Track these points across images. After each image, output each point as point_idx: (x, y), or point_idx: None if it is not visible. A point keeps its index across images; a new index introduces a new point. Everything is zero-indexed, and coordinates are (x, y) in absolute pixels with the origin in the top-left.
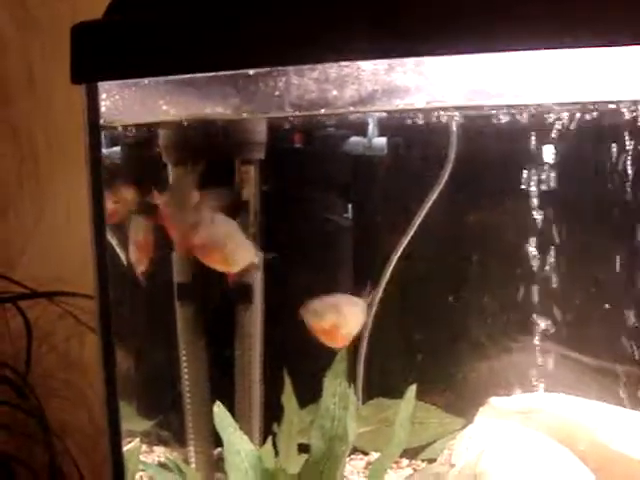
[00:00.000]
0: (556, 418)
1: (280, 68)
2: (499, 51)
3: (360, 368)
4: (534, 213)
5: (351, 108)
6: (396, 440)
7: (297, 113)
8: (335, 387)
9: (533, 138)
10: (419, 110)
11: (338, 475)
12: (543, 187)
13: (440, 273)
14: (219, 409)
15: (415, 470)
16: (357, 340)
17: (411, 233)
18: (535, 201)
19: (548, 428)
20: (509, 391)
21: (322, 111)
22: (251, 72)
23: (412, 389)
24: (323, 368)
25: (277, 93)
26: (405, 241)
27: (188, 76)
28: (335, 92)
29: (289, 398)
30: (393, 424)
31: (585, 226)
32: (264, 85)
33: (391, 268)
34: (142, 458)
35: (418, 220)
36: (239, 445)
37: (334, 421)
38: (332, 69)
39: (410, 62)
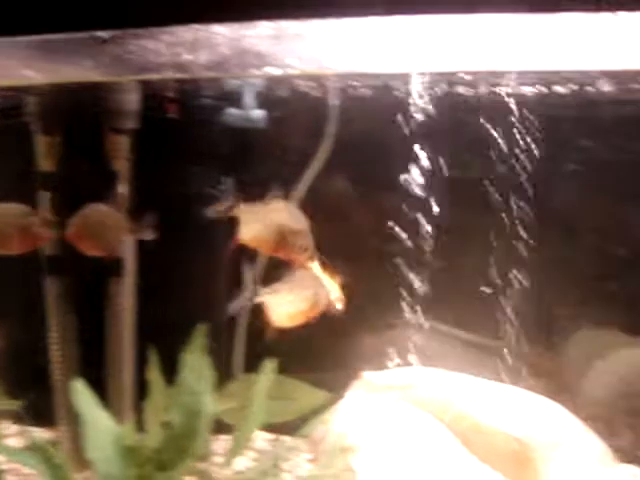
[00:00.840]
0: (430, 392)
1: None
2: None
3: (240, 343)
4: (410, 187)
5: (212, 73)
6: (253, 416)
7: (155, 76)
8: (194, 362)
9: (408, 108)
10: (288, 77)
11: (198, 450)
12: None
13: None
14: (77, 385)
15: (294, 447)
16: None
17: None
18: (410, 173)
19: (422, 402)
20: (383, 366)
21: (180, 75)
22: (105, 35)
23: (269, 365)
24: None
25: (134, 56)
26: None
27: (44, 38)
28: (191, 56)
29: (154, 374)
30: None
31: (462, 204)
32: (120, 48)
33: None
34: (11, 440)
35: (300, 193)
36: (99, 422)
37: (192, 396)
38: (190, 32)
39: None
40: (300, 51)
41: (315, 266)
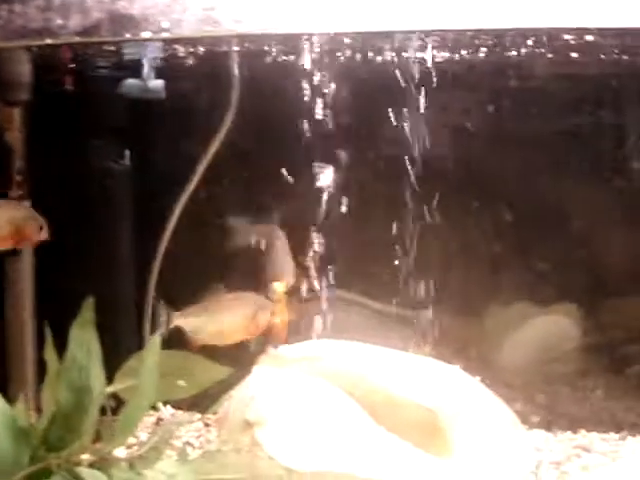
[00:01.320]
0: (339, 365)
1: None
2: None
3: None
4: (316, 154)
5: (85, 38)
6: (142, 391)
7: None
8: (82, 336)
9: (312, 75)
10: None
11: (86, 427)
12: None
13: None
14: None
15: (207, 425)
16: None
17: (196, 179)
18: (313, 142)
19: (331, 375)
20: (291, 339)
21: (51, 41)
22: None
23: (155, 340)
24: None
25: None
26: (191, 187)
27: None
28: (61, 21)
29: (51, 353)
30: (166, 375)
31: (369, 171)
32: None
33: (178, 212)
34: None
35: (203, 165)
36: None
37: (81, 371)
38: None
39: None
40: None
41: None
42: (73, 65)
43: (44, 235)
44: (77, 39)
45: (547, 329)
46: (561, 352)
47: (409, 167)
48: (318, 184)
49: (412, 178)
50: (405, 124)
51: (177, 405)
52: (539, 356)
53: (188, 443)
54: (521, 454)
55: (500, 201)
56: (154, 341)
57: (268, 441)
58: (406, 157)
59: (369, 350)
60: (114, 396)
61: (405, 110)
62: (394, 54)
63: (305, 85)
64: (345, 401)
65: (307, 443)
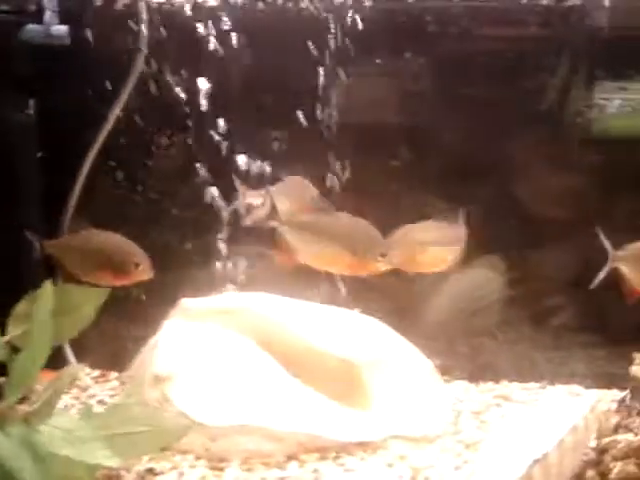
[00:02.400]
0: (254, 317)
1: None
2: None
3: None
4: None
5: None
6: (36, 341)
7: None
8: None
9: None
10: None
11: None
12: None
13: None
14: None
15: (123, 383)
16: None
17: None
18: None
19: (245, 328)
20: (202, 292)
21: None
22: None
23: (47, 286)
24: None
25: None
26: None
27: None
28: None
29: None
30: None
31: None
32: None
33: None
34: None
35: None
36: None
37: None
38: None
39: None
40: None
41: None
42: None
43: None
44: None
45: (471, 282)
46: (485, 304)
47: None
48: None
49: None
50: None
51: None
52: (463, 308)
53: (102, 402)
54: (440, 404)
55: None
56: (46, 285)
57: (178, 396)
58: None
59: (284, 302)
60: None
61: None
62: None
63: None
64: (258, 354)
65: (219, 397)
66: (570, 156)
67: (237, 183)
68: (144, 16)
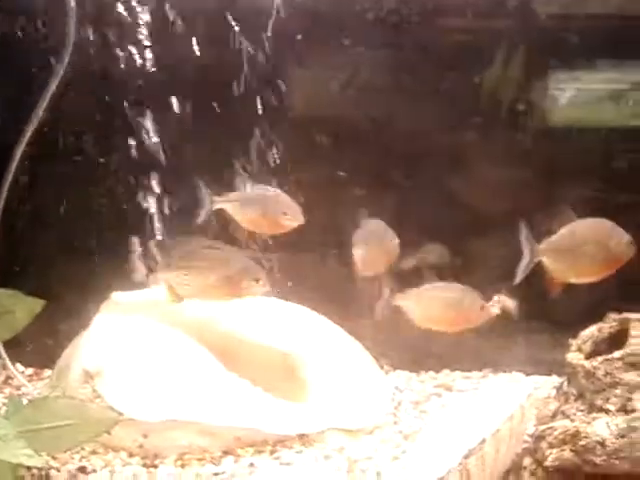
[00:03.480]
0: (188, 310)
1: None
2: None
3: None
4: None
5: None
6: None
7: None
8: None
9: None
10: None
11: None
12: None
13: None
14: None
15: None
16: None
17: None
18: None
19: (179, 321)
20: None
21: None
22: None
23: None
24: None
25: None
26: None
27: None
28: None
29: None
30: None
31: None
32: None
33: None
34: None
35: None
36: None
37: None
38: None
39: None
40: None
41: None
42: None
43: (260, 288)
44: None
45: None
46: None
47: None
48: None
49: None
50: None
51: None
52: None
53: None
54: (379, 395)
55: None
56: None
57: (109, 392)
58: None
59: None
60: None
61: None
62: None
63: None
64: (192, 347)
65: (151, 392)
66: (520, 147)
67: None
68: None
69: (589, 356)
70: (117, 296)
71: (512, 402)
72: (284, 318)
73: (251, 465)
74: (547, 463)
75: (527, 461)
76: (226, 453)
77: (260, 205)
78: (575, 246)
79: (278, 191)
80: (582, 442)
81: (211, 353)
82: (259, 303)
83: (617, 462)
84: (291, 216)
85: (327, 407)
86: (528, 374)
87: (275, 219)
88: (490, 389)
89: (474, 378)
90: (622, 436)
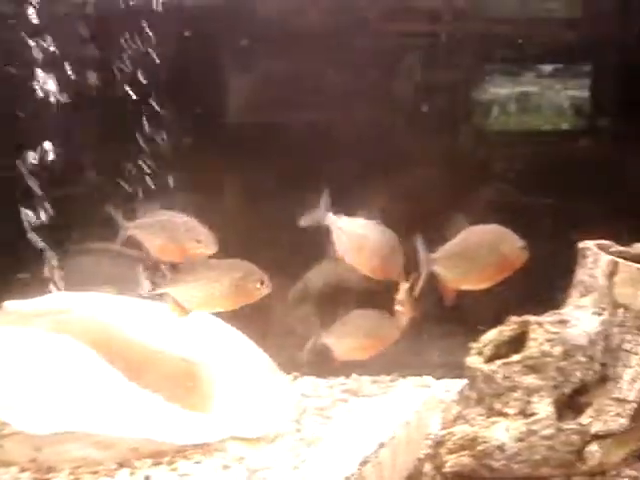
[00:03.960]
0: (88, 319)
1: None
2: None
3: None
4: None
5: None
6: None
7: None
8: None
9: None
10: None
11: None
12: None
13: None
14: None
15: None
16: None
17: None
18: None
19: (79, 330)
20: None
21: None
22: None
23: None
24: None
25: None
26: None
27: None
28: None
29: None
30: None
31: None
32: None
33: None
34: None
35: None
36: None
37: None
38: None
39: None
40: None
41: None
42: None
43: (265, 289)
44: None
45: (331, 276)
46: (342, 298)
47: None
48: None
49: None
50: None
51: None
52: (320, 302)
53: None
54: (283, 402)
55: None
56: None
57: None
58: None
59: (116, 301)
60: None
61: None
62: None
63: None
64: (87, 357)
65: (43, 404)
66: (457, 150)
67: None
68: None
69: (490, 360)
70: (9, 305)
71: (410, 408)
72: (187, 325)
73: (147, 478)
74: (446, 469)
75: (427, 467)
76: (122, 465)
77: (168, 232)
78: (468, 253)
79: (186, 218)
80: (481, 447)
81: (111, 361)
82: (162, 311)
83: (516, 466)
84: (203, 244)
85: (228, 416)
86: (438, 378)
87: (183, 246)
88: (397, 394)
89: (383, 383)
90: (521, 440)
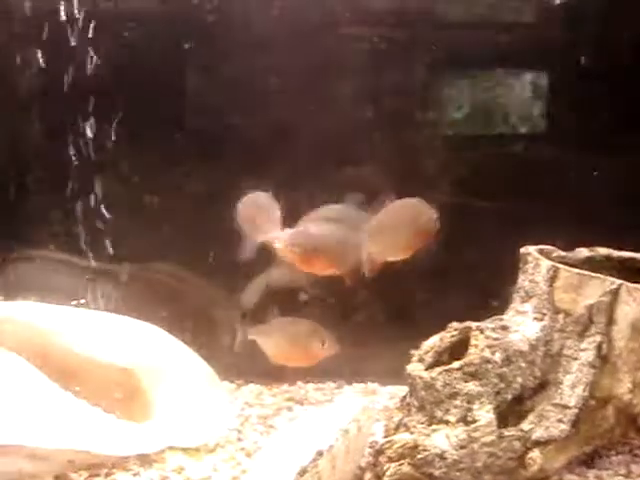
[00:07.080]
0: (25, 328)
1: None
2: None
3: None
4: None
5: None
6: None
7: None
8: None
9: None
10: None
11: None
12: None
13: None
14: None
15: None
16: None
17: None
18: None
19: (15, 340)
20: None
21: None
22: None
23: None
24: None
25: None
26: None
27: None
28: None
29: None
30: None
31: None
32: None
33: None
34: None
35: None
36: None
37: None
38: None
39: None
40: None
41: None
42: None
43: (330, 350)
44: None
45: (274, 282)
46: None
47: None
48: None
49: None
50: None
51: None
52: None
53: None
54: (224, 411)
55: None
56: None
57: None
58: None
59: (59, 311)
60: None
61: None
62: None
63: None
64: (19, 366)
65: None
66: (405, 152)
67: None
68: None
69: (431, 366)
70: None
71: (349, 416)
72: (126, 335)
73: None
74: (385, 478)
75: (368, 475)
76: (58, 478)
77: None
78: (391, 225)
79: None
80: (421, 455)
81: (47, 372)
82: (96, 317)
83: (457, 474)
84: None
85: (167, 425)
86: (384, 384)
87: None
88: (338, 402)
89: (328, 390)
90: (462, 447)
